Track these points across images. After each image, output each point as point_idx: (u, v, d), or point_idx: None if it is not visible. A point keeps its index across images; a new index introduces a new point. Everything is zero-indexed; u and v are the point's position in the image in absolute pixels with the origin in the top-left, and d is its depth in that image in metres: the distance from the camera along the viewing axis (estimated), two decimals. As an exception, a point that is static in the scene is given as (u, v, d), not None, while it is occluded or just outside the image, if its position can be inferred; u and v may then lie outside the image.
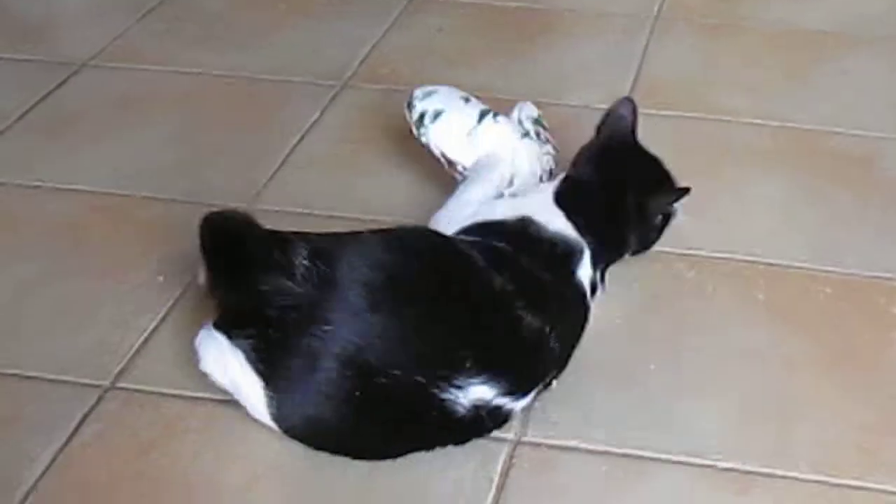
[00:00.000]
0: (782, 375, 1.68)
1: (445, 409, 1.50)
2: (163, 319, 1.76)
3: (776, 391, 1.66)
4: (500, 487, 1.52)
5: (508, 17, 2.62)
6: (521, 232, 1.69)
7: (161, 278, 1.83)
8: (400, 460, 1.54)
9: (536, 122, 1.97)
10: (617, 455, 1.56)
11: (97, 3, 2.70)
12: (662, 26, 2.55)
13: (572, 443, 1.58)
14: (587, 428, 1.60)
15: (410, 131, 1.96)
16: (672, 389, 1.66)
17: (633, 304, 1.80)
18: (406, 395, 1.49)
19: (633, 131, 1.83)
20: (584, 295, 1.69)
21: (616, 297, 1.79)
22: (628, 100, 1.83)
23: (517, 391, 1.55)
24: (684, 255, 1.85)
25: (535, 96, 2.13)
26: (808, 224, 1.97)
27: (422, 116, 1.93)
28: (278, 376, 1.51)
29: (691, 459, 1.55)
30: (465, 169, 1.90)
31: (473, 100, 1.96)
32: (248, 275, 1.52)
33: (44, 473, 1.53)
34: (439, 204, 1.86)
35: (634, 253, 1.81)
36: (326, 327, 1.48)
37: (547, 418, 1.61)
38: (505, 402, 1.54)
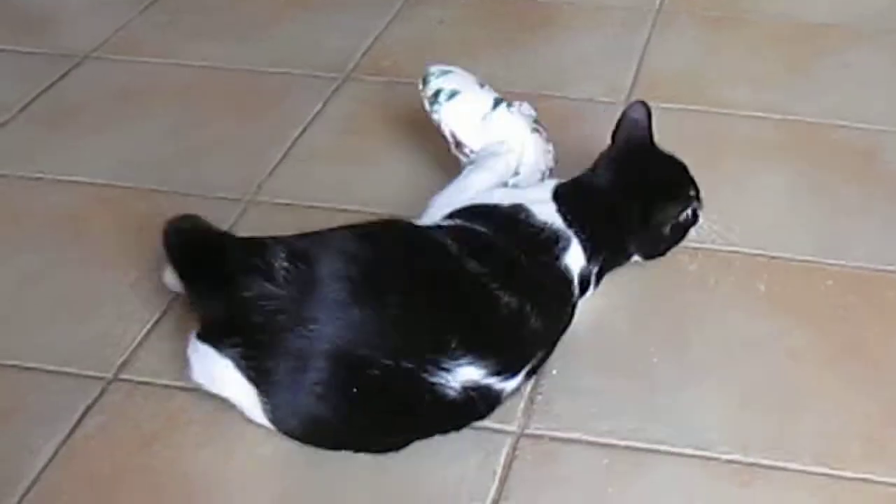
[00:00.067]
0: (785, 367, 1.68)
1: (437, 393, 1.51)
2: (165, 311, 1.76)
3: (779, 383, 1.66)
4: (503, 479, 1.52)
5: (509, 10, 2.62)
6: (509, 217, 1.70)
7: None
8: (403, 453, 1.54)
9: (535, 122, 1.96)
10: (619, 447, 1.56)
11: (98, -5, 2.71)
12: (664, 19, 2.55)
13: (575, 435, 1.58)
14: (590, 420, 1.60)
15: (423, 106, 1.95)
16: (674, 382, 1.66)
17: (635, 297, 1.80)
18: (398, 383, 1.50)
19: (650, 135, 1.82)
20: (570, 281, 1.69)
21: (618, 290, 1.79)
22: (641, 103, 1.82)
23: (504, 371, 1.55)
24: (686, 247, 1.84)
25: (537, 89, 2.14)
26: (811, 216, 1.97)
27: (437, 93, 1.93)
28: (271, 381, 1.51)
29: (694, 451, 1.56)
30: (472, 152, 1.90)
31: (487, 86, 1.96)
32: (229, 284, 1.52)
33: (47, 465, 1.53)
34: (441, 196, 1.86)
35: (647, 258, 1.81)
36: (313, 326, 1.48)
37: (549, 410, 1.61)
38: (493, 381, 1.54)
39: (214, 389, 1.56)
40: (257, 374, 1.51)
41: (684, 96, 2.28)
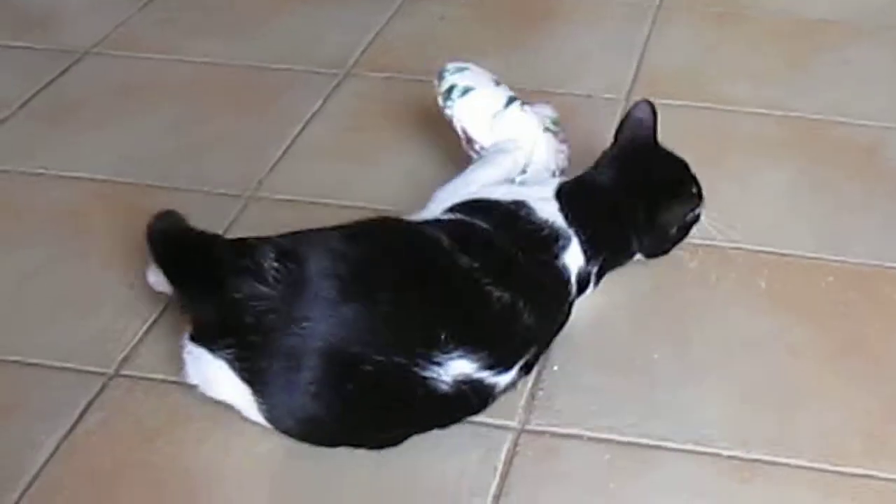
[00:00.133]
0: (786, 364, 1.68)
1: (429, 388, 1.51)
2: (166, 307, 1.76)
3: (780, 380, 1.66)
4: (504, 475, 1.52)
5: (510, 5, 2.62)
6: (509, 213, 1.70)
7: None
8: (404, 449, 1.54)
9: (554, 123, 1.96)
10: (620, 443, 1.56)
11: (98, -9, 2.71)
12: (664, 15, 2.55)
13: (576, 431, 1.58)
14: (591, 416, 1.60)
15: (437, 102, 1.94)
16: (675, 378, 1.66)
17: (636, 294, 1.80)
18: (390, 378, 1.50)
19: (654, 135, 1.82)
20: (567, 280, 1.69)
21: (619, 287, 1.79)
22: (647, 103, 1.82)
23: (497, 365, 1.55)
24: (687, 244, 1.84)
25: (538, 85, 2.14)
26: (813, 213, 1.97)
27: (451, 89, 1.93)
28: (266, 381, 1.51)
29: (695, 447, 1.56)
30: (482, 149, 1.90)
31: (503, 84, 1.96)
32: (220, 286, 1.52)
33: (48, 461, 1.53)
34: (443, 192, 1.86)
35: (650, 256, 1.81)
36: (305, 325, 1.49)
37: (551, 406, 1.61)
38: (486, 375, 1.54)
39: (210, 391, 1.56)
40: (251, 375, 1.51)
41: (685, 92, 2.28)
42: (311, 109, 2.24)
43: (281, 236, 1.58)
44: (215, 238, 1.61)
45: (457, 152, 2.04)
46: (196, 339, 1.55)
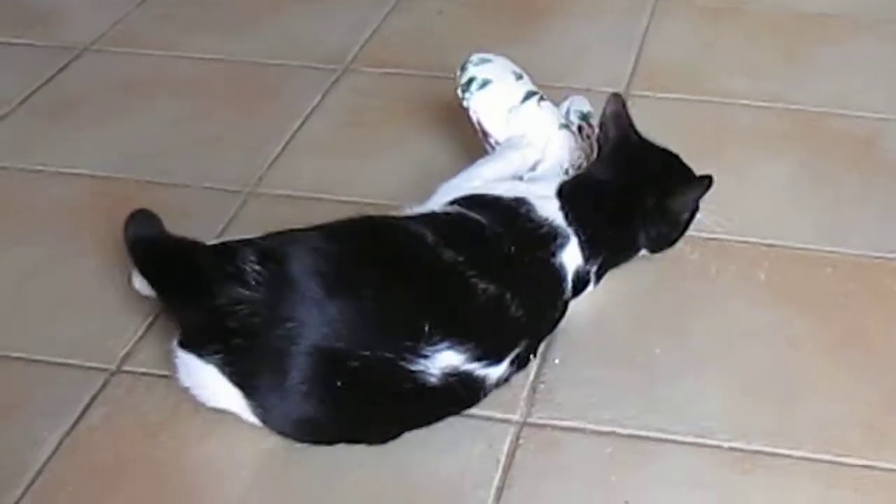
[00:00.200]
0: (787, 356, 1.69)
1: (418, 381, 1.51)
2: (167, 304, 1.76)
3: (781, 371, 1.66)
4: (507, 468, 1.52)
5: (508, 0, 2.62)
6: (509, 209, 1.70)
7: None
8: (406, 443, 1.54)
9: (584, 117, 1.96)
10: (622, 435, 1.57)
11: (97, -12, 2.71)
12: (662, 7, 2.55)
13: (577, 424, 1.58)
14: (592, 409, 1.60)
15: (455, 93, 1.94)
16: (676, 370, 1.66)
17: (636, 286, 1.80)
18: (378, 373, 1.50)
19: (633, 126, 1.82)
20: (562, 278, 1.69)
21: (619, 280, 1.79)
22: (616, 95, 1.82)
23: (485, 357, 1.56)
24: (687, 237, 1.84)
25: (537, 79, 2.13)
26: (812, 205, 1.97)
27: (470, 81, 1.92)
28: (256, 384, 1.52)
29: (696, 439, 1.56)
30: (497, 143, 1.90)
31: (526, 77, 1.95)
32: (202, 292, 1.52)
33: (51, 457, 1.54)
34: (441, 188, 1.86)
35: (655, 251, 1.80)
36: (290, 324, 1.49)
37: (552, 400, 1.62)
38: (475, 367, 1.55)
39: (203, 397, 1.57)
40: (241, 379, 1.52)
41: (684, 86, 2.28)
42: (310, 105, 2.25)
43: (263, 237, 1.59)
44: (195, 244, 1.61)
45: (458, 146, 2.05)
46: (184, 344, 1.55)
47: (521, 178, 1.84)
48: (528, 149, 1.86)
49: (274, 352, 1.49)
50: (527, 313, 1.61)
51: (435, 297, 1.56)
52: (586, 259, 1.71)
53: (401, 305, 1.54)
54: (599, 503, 1.49)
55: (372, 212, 1.71)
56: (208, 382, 1.54)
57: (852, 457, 1.53)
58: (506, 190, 1.74)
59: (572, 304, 1.72)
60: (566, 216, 1.71)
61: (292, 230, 1.60)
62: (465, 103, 1.92)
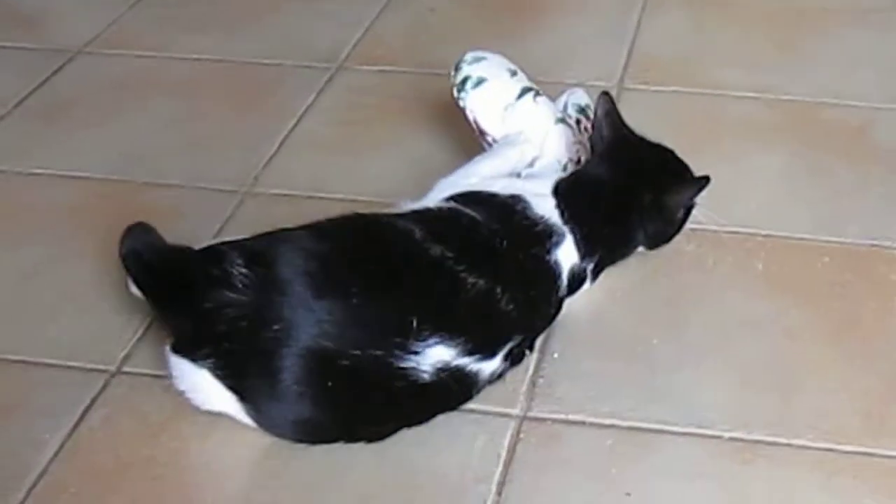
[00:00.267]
0: (785, 345, 1.69)
1: (410, 378, 1.51)
2: (166, 304, 1.76)
3: (779, 361, 1.67)
4: (508, 462, 1.53)
5: (500, -5, 2.63)
6: (505, 206, 1.70)
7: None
8: (408, 439, 1.55)
9: (582, 110, 1.96)
10: (622, 428, 1.57)
11: (89, -10, 2.71)
12: (654, 1, 2.55)
13: (578, 417, 1.59)
14: (592, 402, 1.61)
15: (451, 93, 1.94)
16: (675, 362, 1.67)
17: (634, 279, 1.81)
18: (370, 372, 1.50)
19: (624, 124, 1.82)
20: (557, 276, 1.69)
21: (617, 272, 1.79)
22: (606, 94, 1.82)
23: (476, 351, 1.56)
24: (684, 228, 1.85)
25: (531, 74, 2.13)
26: (808, 195, 1.97)
27: (465, 80, 1.92)
28: (248, 387, 1.52)
29: (696, 430, 1.57)
30: (494, 141, 1.91)
31: (521, 74, 1.95)
32: (190, 298, 1.53)
33: (52, 459, 1.54)
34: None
35: (652, 247, 1.81)
36: (277, 326, 1.49)
37: (552, 393, 1.62)
38: (467, 362, 1.55)
39: (198, 401, 1.57)
40: (234, 382, 1.52)
41: (676, 79, 2.28)
42: (304, 104, 2.25)
43: (252, 238, 1.59)
44: (184, 250, 1.61)
45: (453, 143, 2.06)
46: (176, 349, 1.55)
47: (518, 175, 1.84)
48: (526, 145, 1.86)
49: (264, 354, 1.49)
50: (518, 308, 1.61)
51: (422, 293, 1.56)
52: (582, 257, 1.71)
53: (388, 302, 1.54)
54: (600, 495, 1.49)
55: (368, 210, 1.71)
56: (202, 386, 1.54)
57: (851, 444, 1.54)
58: (502, 187, 1.74)
59: (569, 299, 1.72)
60: (562, 214, 1.71)
61: (281, 230, 1.61)
62: (460, 102, 1.92)
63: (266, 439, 1.56)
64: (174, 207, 1.96)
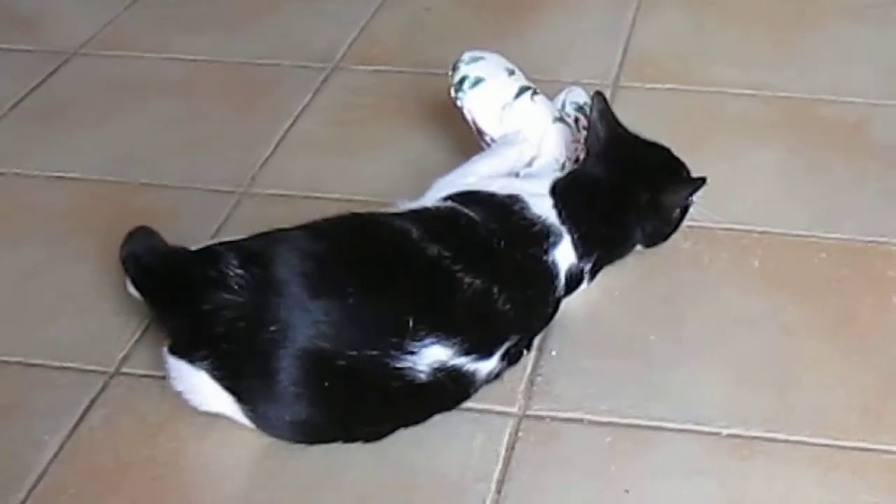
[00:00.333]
0: (782, 342, 1.69)
1: (406, 378, 1.51)
2: (164, 304, 1.76)
3: (777, 357, 1.67)
4: (507, 460, 1.53)
5: (495, -6, 2.63)
6: (502, 206, 1.70)
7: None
8: (407, 439, 1.55)
9: (580, 108, 1.96)
10: (621, 425, 1.58)
11: (84, -9, 2.71)
12: (649, -1, 2.56)
13: (576, 415, 1.59)
14: (590, 400, 1.61)
15: (448, 92, 1.94)
16: (673, 359, 1.67)
17: (631, 276, 1.81)
18: (367, 372, 1.50)
19: (619, 122, 1.82)
20: (554, 275, 1.69)
21: (614, 270, 1.79)
22: (598, 93, 1.82)
23: (473, 350, 1.56)
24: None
25: (527, 72, 2.13)
26: (804, 191, 1.98)
27: (462, 80, 1.92)
28: (246, 388, 1.52)
29: (694, 427, 1.57)
30: (492, 140, 1.91)
31: (518, 73, 1.95)
32: (187, 300, 1.53)
33: (52, 460, 1.54)
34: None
35: (650, 245, 1.81)
36: (274, 327, 1.49)
37: (550, 391, 1.62)
38: (464, 362, 1.55)
39: (196, 402, 1.57)
40: (232, 383, 1.52)
41: (672, 76, 2.29)
42: (300, 104, 2.25)
43: (249, 238, 1.59)
44: (181, 252, 1.61)
45: (449, 143, 2.06)
46: (174, 351, 1.55)
47: (517, 175, 1.84)
48: (524, 145, 1.86)
49: (261, 355, 1.49)
50: (515, 308, 1.61)
51: (418, 293, 1.56)
52: (580, 257, 1.71)
53: (385, 302, 1.54)
54: (599, 492, 1.49)
55: (364, 210, 1.71)
56: (200, 387, 1.54)
57: (849, 440, 1.54)
58: (500, 187, 1.74)
59: (567, 297, 1.72)
60: (559, 214, 1.71)
61: (278, 230, 1.61)
62: (458, 102, 1.92)
63: (264, 440, 1.56)
64: (171, 208, 1.96)
